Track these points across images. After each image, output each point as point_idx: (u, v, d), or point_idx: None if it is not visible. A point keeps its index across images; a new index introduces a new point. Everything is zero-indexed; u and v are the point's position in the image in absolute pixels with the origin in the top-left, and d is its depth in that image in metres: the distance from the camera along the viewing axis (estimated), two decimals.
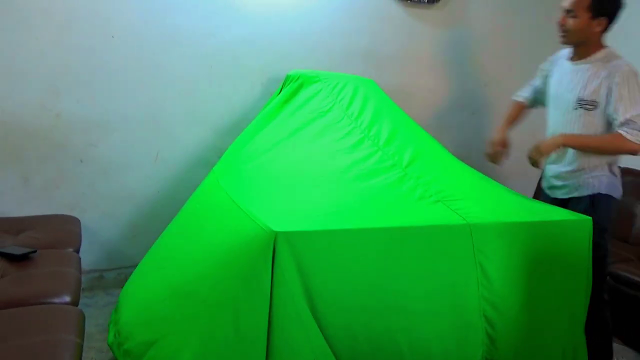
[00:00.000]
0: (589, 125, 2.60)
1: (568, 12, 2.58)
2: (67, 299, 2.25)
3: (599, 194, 2.70)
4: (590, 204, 2.69)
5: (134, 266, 3.54)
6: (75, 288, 2.36)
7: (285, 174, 2.65)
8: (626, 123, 2.47)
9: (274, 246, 1.97)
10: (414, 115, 3.69)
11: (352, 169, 2.65)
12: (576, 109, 2.62)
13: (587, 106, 2.58)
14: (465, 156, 4.36)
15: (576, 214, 2.61)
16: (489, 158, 2.97)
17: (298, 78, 3.31)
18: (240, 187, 2.60)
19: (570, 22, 2.58)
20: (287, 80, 3.41)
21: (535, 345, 2.47)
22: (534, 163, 2.69)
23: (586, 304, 2.58)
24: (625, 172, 3.99)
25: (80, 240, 2.91)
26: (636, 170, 3.98)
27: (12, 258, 2.50)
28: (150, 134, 3.47)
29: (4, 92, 3.11)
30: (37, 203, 3.26)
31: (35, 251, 2.56)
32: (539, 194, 3.08)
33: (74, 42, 3.21)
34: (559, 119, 2.74)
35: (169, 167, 3.55)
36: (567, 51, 2.79)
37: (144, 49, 3.37)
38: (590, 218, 2.57)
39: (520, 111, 3.10)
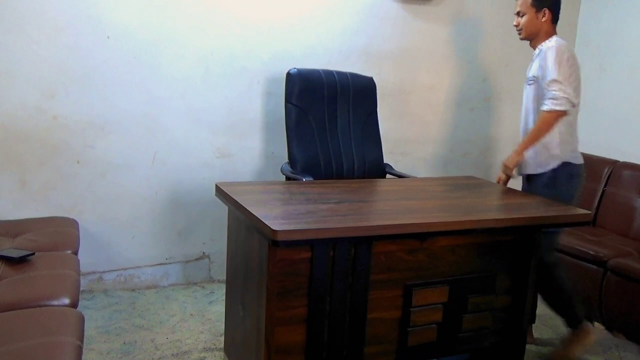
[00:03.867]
0: (534, 97, 3.03)
1: (518, 13, 3.07)
2: (66, 301, 2.24)
3: (556, 168, 3.01)
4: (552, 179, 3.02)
5: (133, 268, 3.55)
6: (74, 290, 2.34)
7: None
8: (547, 92, 2.87)
9: None
10: (413, 112, 3.69)
11: None
12: (529, 85, 3.08)
13: (531, 81, 3.04)
14: (464, 152, 4.39)
15: None
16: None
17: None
18: None
19: (522, 21, 3.06)
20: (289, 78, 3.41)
21: None
22: (508, 177, 3.11)
23: None
24: (625, 166, 4.03)
25: (79, 242, 2.89)
26: (636, 164, 3.98)
27: (10, 261, 2.48)
28: (147, 134, 3.46)
29: None
30: (34, 205, 3.24)
31: (33, 254, 2.55)
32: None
33: (70, 43, 3.20)
34: (527, 99, 3.12)
35: (167, 168, 3.54)
36: None
37: (140, 49, 3.36)
38: None
39: None
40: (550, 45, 2.96)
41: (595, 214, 4.05)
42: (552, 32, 3.06)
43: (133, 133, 3.42)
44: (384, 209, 2.59)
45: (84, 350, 2.02)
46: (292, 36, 3.71)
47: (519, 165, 3.07)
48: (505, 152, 4.42)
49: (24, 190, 3.23)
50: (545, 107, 2.86)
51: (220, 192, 2.57)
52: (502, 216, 2.54)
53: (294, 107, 3.36)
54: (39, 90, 3.18)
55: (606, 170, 4.10)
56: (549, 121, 2.87)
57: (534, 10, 3.02)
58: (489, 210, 2.78)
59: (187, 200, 3.62)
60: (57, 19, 3.16)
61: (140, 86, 3.39)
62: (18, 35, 3.09)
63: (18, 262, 2.48)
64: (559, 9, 3.10)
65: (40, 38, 3.14)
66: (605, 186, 4.07)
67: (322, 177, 3.33)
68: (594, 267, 3.44)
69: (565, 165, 2.99)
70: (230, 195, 2.43)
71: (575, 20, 4.58)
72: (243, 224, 2.42)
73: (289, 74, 3.40)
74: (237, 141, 3.69)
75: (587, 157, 4.29)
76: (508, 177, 3.14)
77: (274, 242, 2.02)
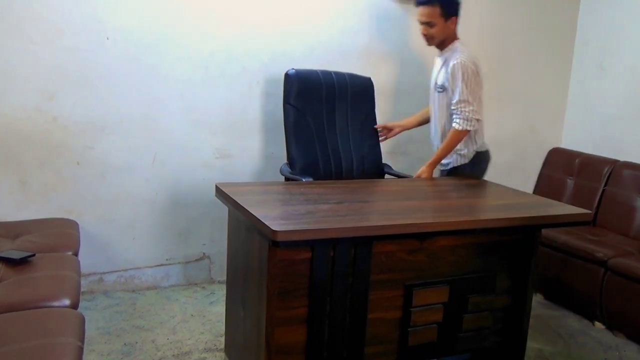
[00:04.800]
0: (443, 105, 3.28)
1: (427, 23, 3.21)
2: (67, 302, 2.23)
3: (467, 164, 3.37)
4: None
5: (134, 269, 3.55)
6: (74, 291, 2.33)
7: None
8: (455, 110, 3.17)
9: None
10: (413, 113, 3.69)
11: None
12: (438, 92, 3.30)
13: (440, 90, 3.27)
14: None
15: None
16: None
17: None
18: None
19: (432, 30, 3.22)
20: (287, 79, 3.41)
21: None
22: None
23: None
24: (625, 165, 4.03)
25: (79, 243, 2.88)
26: (636, 163, 3.98)
27: (10, 262, 2.48)
28: (147, 136, 3.46)
29: None
30: (34, 207, 3.24)
31: (33, 255, 2.54)
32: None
33: (69, 44, 3.19)
34: (431, 102, 3.40)
35: (167, 169, 3.54)
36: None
37: (139, 50, 3.36)
38: None
39: (427, 112, 3.58)
40: (457, 61, 3.14)
41: (596, 213, 4.06)
42: (456, 36, 3.28)
43: (133, 134, 3.42)
44: (384, 209, 2.59)
45: (84, 351, 2.01)
46: (292, 37, 3.71)
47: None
48: (505, 151, 4.45)
49: (24, 191, 3.22)
50: (457, 127, 3.16)
51: (220, 192, 2.56)
52: (501, 216, 2.53)
53: (292, 108, 3.36)
54: (39, 92, 3.18)
55: (606, 169, 4.11)
56: (460, 138, 3.20)
57: (443, 19, 3.19)
58: (489, 210, 2.78)
59: (187, 201, 3.62)
60: (57, 20, 3.15)
61: (140, 87, 3.39)
62: (18, 36, 3.09)
63: (18, 263, 2.47)
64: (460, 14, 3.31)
65: (40, 39, 3.13)
66: (605, 186, 4.07)
67: (321, 178, 3.33)
68: (595, 266, 3.45)
69: (476, 155, 3.35)
70: (230, 195, 2.43)
71: (574, 20, 4.57)
72: (243, 225, 2.42)
73: (287, 75, 3.40)
74: (237, 142, 3.69)
75: (588, 157, 4.33)
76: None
77: (274, 243, 2.01)
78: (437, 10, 3.16)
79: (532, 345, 3.15)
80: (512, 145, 4.56)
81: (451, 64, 3.16)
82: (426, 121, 3.55)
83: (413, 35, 4.02)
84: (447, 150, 3.25)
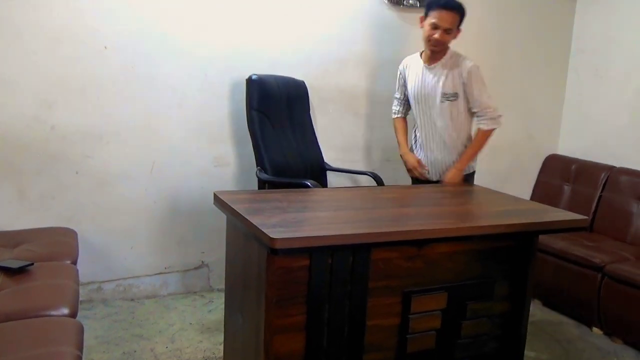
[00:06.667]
0: (455, 113, 3.27)
1: (447, 30, 3.13)
2: (65, 311, 2.23)
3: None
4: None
5: (133, 277, 3.54)
6: (73, 300, 2.33)
7: None
8: (481, 113, 3.24)
9: None
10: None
11: None
12: (443, 102, 3.25)
13: (451, 98, 3.24)
14: None
15: None
16: (419, 175, 3.46)
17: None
18: None
19: (447, 37, 3.16)
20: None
21: None
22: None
23: None
24: (622, 171, 4.04)
25: (77, 252, 2.88)
26: (634, 170, 4.00)
27: (9, 271, 2.47)
28: (146, 144, 3.46)
29: None
30: (33, 216, 3.24)
31: (32, 264, 2.54)
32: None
33: (67, 54, 3.21)
34: (427, 113, 3.34)
35: (165, 177, 3.55)
36: (415, 57, 3.41)
37: (137, 58, 3.37)
38: None
39: (406, 125, 3.59)
40: (472, 64, 3.20)
41: (593, 219, 4.07)
42: (449, 46, 3.29)
43: (131, 143, 3.42)
44: (382, 216, 2.58)
45: None
46: (290, 45, 3.72)
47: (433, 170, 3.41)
48: (503, 158, 4.46)
49: (22, 200, 3.23)
50: (485, 127, 3.26)
51: (218, 200, 2.56)
52: (499, 222, 2.53)
53: (256, 113, 3.44)
54: (37, 101, 3.18)
55: (603, 175, 4.12)
56: (489, 137, 3.30)
57: (457, 29, 3.20)
58: (487, 216, 2.78)
59: (186, 209, 3.62)
60: (55, 29, 3.16)
61: (138, 96, 3.40)
62: (16, 45, 3.10)
63: (17, 272, 2.47)
64: None
65: (38, 48, 3.14)
66: (602, 191, 4.09)
67: (295, 177, 3.42)
68: (592, 272, 3.45)
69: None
70: (229, 203, 2.42)
71: (570, 26, 4.60)
72: (241, 233, 2.41)
73: (249, 81, 3.46)
74: (236, 150, 3.70)
75: (584, 163, 4.34)
76: (424, 172, 3.43)
77: (273, 250, 2.01)
78: (457, 18, 3.14)
79: (530, 351, 3.16)
80: (509, 152, 4.56)
81: (467, 70, 3.18)
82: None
83: (412, 43, 4.04)
84: (477, 152, 3.32)
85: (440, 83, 3.25)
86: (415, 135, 3.47)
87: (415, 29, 3.96)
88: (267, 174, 3.34)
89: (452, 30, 3.15)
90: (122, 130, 3.39)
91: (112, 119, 3.36)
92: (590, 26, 4.49)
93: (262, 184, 3.34)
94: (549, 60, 4.60)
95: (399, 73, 3.50)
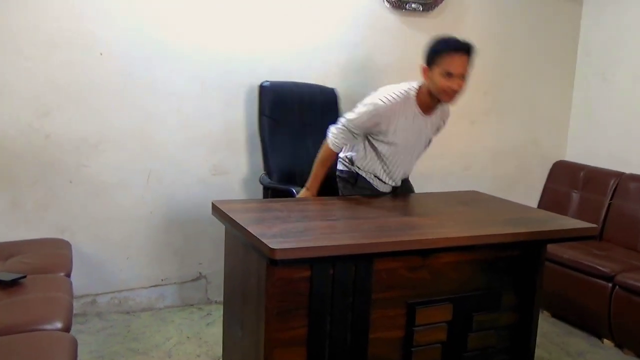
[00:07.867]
0: (420, 153, 3.12)
1: (463, 76, 2.69)
2: (59, 325, 2.20)
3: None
4: None
5: (128, 290, 3.49)
6: (66, 314, 2.30)
7: None
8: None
9: None
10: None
11: None
12: (426, 146, 3.12)
13: (428, 144, 3.12)
14: (465, 166, 4.35)
15: None
16: None
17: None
18: None
19: (464, 84, 2.72)
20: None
21: None
22: None
23: None
24: (632, 178, 4.01)
25: (71, 264, 2.84)
26: None
27: (1, 284, 2.43)
28: (142, 152, 3.42)
29: None
30: (26, 227, 3.19)
31: (24, 276, 2.50)
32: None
33: (62, 60, 3.17)
34: (407, 157, 3.02)
35: (162, 186, 3.50)
36: (402, 101, 2.82)
37: (133, 65, 3.33)
38: None
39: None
40: (449, 110, 3.05)
41: (602, 227, 4.02)
42: None
43: (127, 151, 3.38)
44: (385, 225, 2.54)
45: None
46: (289, 51, 3.69)
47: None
48: (507, 163, 4.42)
49: (15, 210, 3.18)
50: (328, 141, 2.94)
51: (216, 210, 2.54)
52: (506, 231, 2.48)
53: (267, 119, 3.44)
54: (32, 108, 3.15)
55: (612, 182, 4.08)
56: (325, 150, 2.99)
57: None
58: (493, 225, 2.72)
59: (183, 219, 3.57)
60: (51, 35, 3.13)
61: (134, 103, 3.36)
62: (11, 52, 3.07)
63: (9, 285, 2.44)
64: None
65: (33, 55, 3.11)
66: (611, 199, 4.05)
67: (300, 186, 3.28)
68: (602, 282, 3.40)
69: None
70: (227, 213, 2.40)
71: (576, 30, 4.56)
72: (240, 243, 2.39)
73: (261, 87, 3.48)
74: (234, 158, 3.65)
75: (592, 170, 4.29)
76: None
77: (272, 261, 1.99)
78: (470, 59, 2.72)
79: None
80: (514, 158, 4.52)
81: (447, 115, 3.05)
82: None
83: (414, 48, 3.96)
84: (316, 164, 3.03)
85: (429, 128, 2.97)
86: (375, 168, 3.04)
87: (418, 33, 3.95)
88: (272, 180, 3.35)
89: (468, 75, 2.72)
90: (118, 138, 3.35)
91: (108, 127, 3.32)
92: (597, 29, 4.45)
93: (265, 189, 3.37)
94: (555, 64, 4.56)
95: (378, 116, 2.81)
